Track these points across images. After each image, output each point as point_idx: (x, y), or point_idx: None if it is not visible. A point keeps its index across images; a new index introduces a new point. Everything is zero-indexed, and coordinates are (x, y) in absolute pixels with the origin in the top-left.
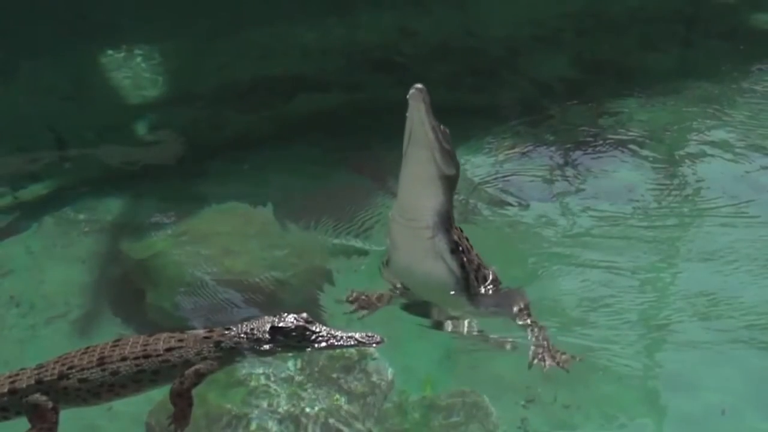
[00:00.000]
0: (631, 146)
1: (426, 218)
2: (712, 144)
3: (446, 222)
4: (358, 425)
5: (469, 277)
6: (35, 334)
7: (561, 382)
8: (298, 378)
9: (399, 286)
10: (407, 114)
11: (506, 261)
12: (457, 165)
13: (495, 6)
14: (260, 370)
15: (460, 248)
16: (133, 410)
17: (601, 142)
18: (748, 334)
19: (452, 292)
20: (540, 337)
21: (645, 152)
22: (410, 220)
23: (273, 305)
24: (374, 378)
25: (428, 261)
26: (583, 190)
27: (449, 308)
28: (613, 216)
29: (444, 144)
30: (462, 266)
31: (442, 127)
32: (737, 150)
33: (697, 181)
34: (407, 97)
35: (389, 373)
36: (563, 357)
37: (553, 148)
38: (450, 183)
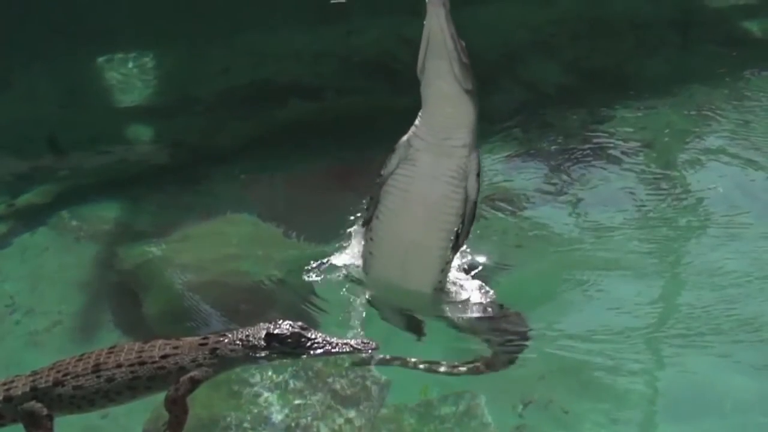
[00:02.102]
0: (626, 152)
1: (462, 135)
2: (707, 150)
3: (476, 139)
4: None
5: (475, 209)
6: (30, 341)
7: (557, 387)
8: (293, 384)
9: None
10: (425, 22)
11: (499, 266)
12: (474, 82)
13: (490, 12)
14: (255, 377)
15: (480, 173)
16: (130, 417)
17: (595, 148)
18: (747, 338)
19: (452, 230)
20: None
21: (640, 158)
22: (445, 139)
23: (269, 311)
24: (369, 384)
25: (452, 185)
26: (578, 196)
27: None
28: (607, 222)
29: (463, 57)
30: (478, 191)
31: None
32: (732, 156)
33: (692, 187)
34: (426, 0)
35: (384, 378)
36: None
37: (547, 154)
38: (475, 97)
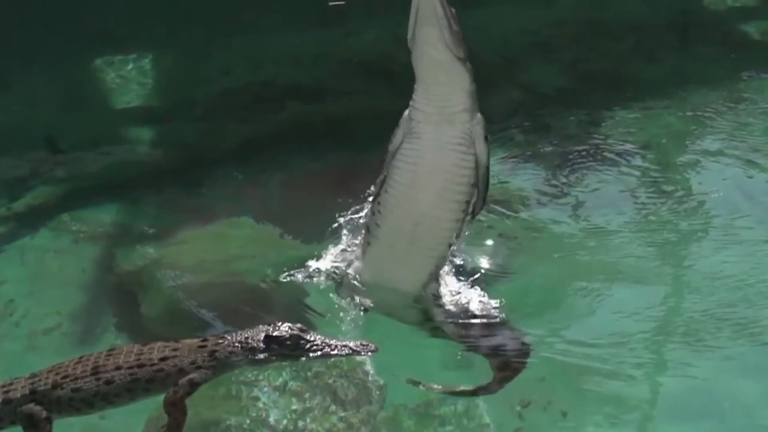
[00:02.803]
0: (625, 154)
1: (461, 100)
2: (706, 152)
3: (477, 103)
4: None
5: (489, 174)
6: (29, 343)
7: (557, 389)
8: (292, 387)
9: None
10: None
11: (498, 268)
12: (466, 49)
13: (490, 14)
14: (255, 379)
15: (488, 137)
16: (129, 419)
17: (594, 150)
18: (748, 342)
19: (464, 202)
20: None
21: (638, 160)
22: (444, 107)
23: (268, 314)
24: (369, 385)
25: (459, 152)
26: (576, 198)
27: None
28: (607, 225)
29: (453, 24)
30: (488, 154)
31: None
32: (731, 158)
33: (691, 190)
34: None
35: (383, 383)
36: None
37: (546, 156)
38: (467, 63)
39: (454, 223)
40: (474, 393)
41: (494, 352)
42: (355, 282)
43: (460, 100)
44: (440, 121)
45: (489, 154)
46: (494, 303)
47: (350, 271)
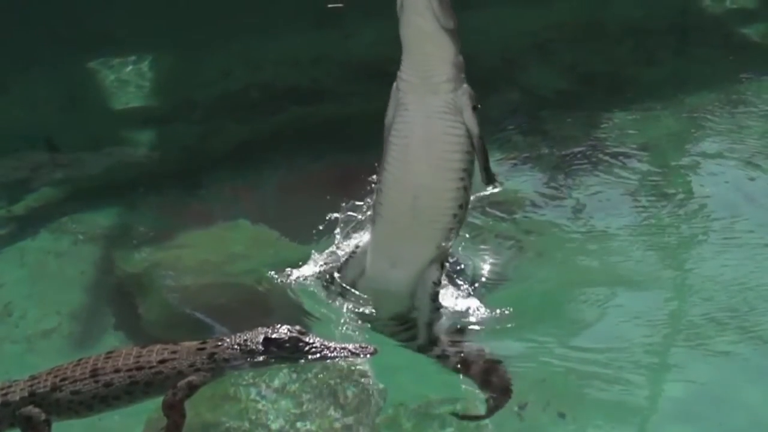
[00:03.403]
0: (624, 157)
1: (444, 70)
2: (705, 155)
3: (463, 74)
4: None
5: (483, 142)
6: (28, 346)
7: (555, 390)
8: (291, 390)
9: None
10: None
11: (497, 271)
12: (455, 20)
13: (490, 17)
14: (253, 382)
15: (479, 106)
16: (127, 421)
17: (594, 153)
18: (749, 345)
19: (461, 170)
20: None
21: (638, 163)
22: (427, 77)
23: (267, 316)
24: (369, 387)
25: (447, 121)
26: (576, 201)
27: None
28: (606, 228)
29: None
30: (479, 125)
31: None
32: (730, 161)
33: (691, 192)
34: None
35: (383, 383)
36: None
37: (545, 159)
38: (455, 34)
39: (454, 192)
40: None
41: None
42: (355, 279)
43: (444, 70)
44: (425, 91)
45: (479, 124)
46: (492, 311)
47: (349, 269)
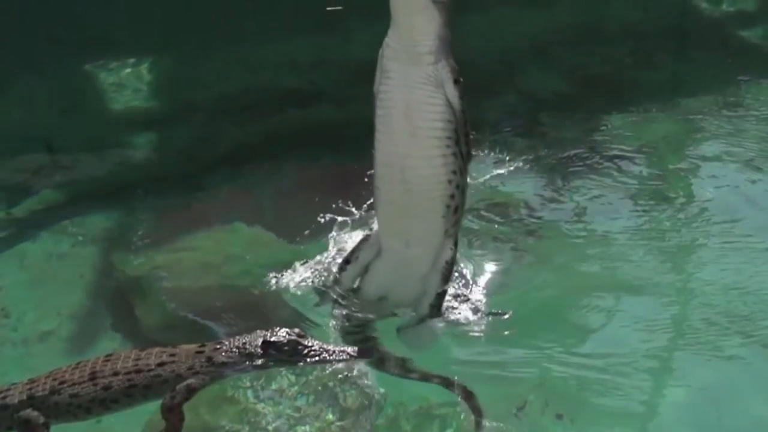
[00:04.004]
0: (623, 160)
1: (427, 42)
2: (704, 158)
3: (447, 48)
4: None
5: (465, 116)
6: (27, 349)
7: (553, 393)
8: (290, 392)
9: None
10: None
11: (495, 275)
12: None
13: (488, 20)
14: (253, 385)
15: (461, 80)
16: (126, 424)
17: (593, 156)
18: (744, 351)
19: (444, 138)
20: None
21: (637, 166)
22: (410, 47)
23: (266, 319)
24: (368, 390)
25: (427, 91)
26: (575, 204)
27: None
28: (606, 231)
29: None
30: (461, 98)
31: None
32: (728, 164)
33: (690, 196)
34: None
35: (382, 389)
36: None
37: (545, 162)
38: (444, 7)
39: (442, 159)
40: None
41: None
42: (369, 262)
43: (427, 41)
44: (407, 60)
45: (464, 98)
46: (491, 315)
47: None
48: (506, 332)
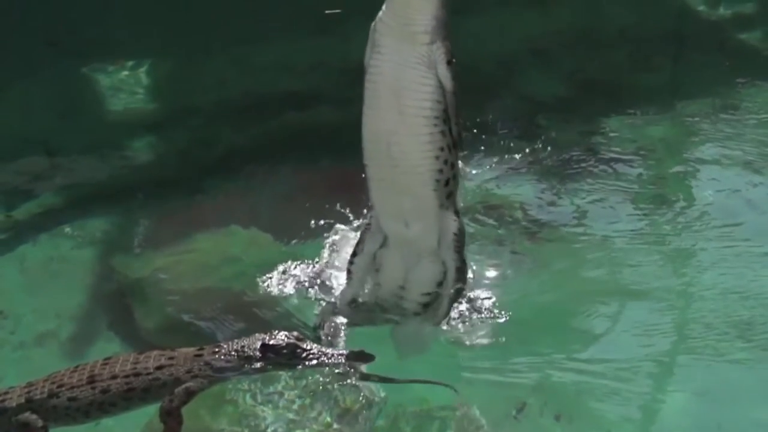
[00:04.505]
0: (622, 163)
1: (424, 21)
2: (702, 161)
3: (444, 29)
4: None
5: (456, 98)
6: (25, 352)
7: (552, 396)
8: (290, 395)
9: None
10: None
11: (494, 278)
12: None
13: (488, 23)
14: (251, 388)
15: (455, 61)
16: (124, 428)
17: (591, 159)
18: (744, 356)
19: (432, 117)
20: None
21: (635, 169)
22: (406, 25)
23: (265, 322)
24: (368, 393)
25: (419, 71)
26: (573, 207)
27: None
28: (604, 234)
29: None
30: (454, 79)
31: None
32: (726, 167)
33: (688, 199)
34: None
35: (382, 391)
36: None
37: (544, 165)
38: None
39: (429, 137)
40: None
41: None
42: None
43: (423, 21)
44: (401, 37)
45: (457, 78)
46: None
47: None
48: (505, 336)
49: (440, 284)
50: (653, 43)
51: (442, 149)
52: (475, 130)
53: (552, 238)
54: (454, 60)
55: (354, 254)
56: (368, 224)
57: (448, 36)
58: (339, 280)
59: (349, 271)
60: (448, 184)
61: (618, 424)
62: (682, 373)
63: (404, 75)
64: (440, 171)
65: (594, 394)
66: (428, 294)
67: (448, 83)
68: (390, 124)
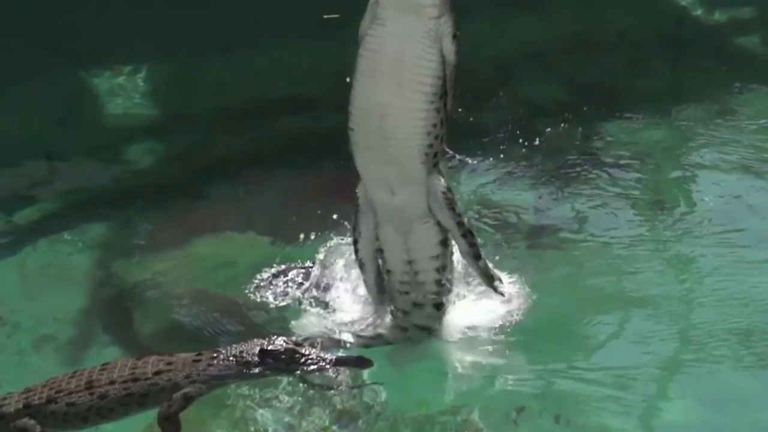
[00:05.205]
0: (620, 168)
1: None
2: (700, 166)
3: (451, 2)
4: None
5: (457, 70)
6: (23, 358)
7: (551, 400)
8: (288, 398)
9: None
10: None
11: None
12: None
13: (486, 28)
14: (250, 392)
15: (459, 34)
16: None
17: (589, 164)
18: (744, 363)
19: (431, 93)
20: None
21: (633, 174)
22: None
23: (263, 327)
24: (367, 398)
25: (424, 45)
26: (571, 211)
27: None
28: (603, 241)
29: None
30: (457, 53)
31: None
32: (724, 172)
33: (686, 205)
34: None
35: (383, 393)
36: None
37: (542, 170)
38: None
39: (424, 113)
40: None
41: None
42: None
43: None
44: (406, 9)
45: (459, 53)
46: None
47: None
48: (504, 342)
49: (444, 243)
50: (651, 48)
51: (435, 125)
52: (472, 134)
53: (551, 243)
54: (458, 33)
55: (355, 242)
56: (356, 208)
57: (454, 8)
58: (336, 284)
59: (359, 261)
60: (436, 156)
61: (617, 428)
62: (682, 380)
63: (408, 48)
64: (430, 146)
65: (594, 401)
66: (437, 257)
67: (451, 56)
68: (386, 97)
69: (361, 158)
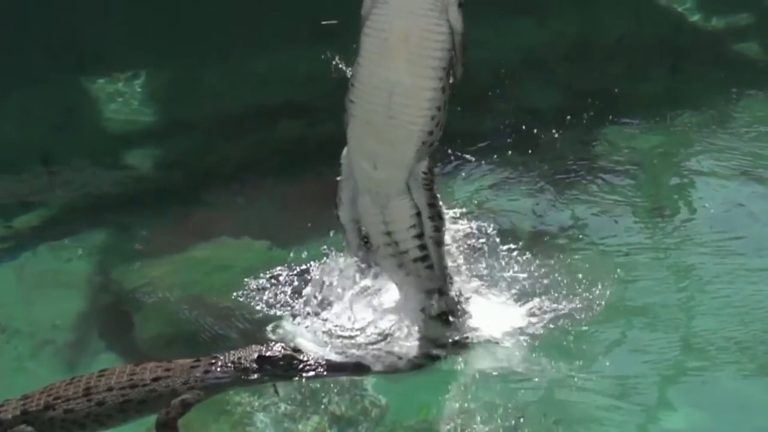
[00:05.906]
0: (618, 174)
1: None
2: (698, 171)
3: None
4: None
5: (464, 38)
6: (21, 364)
7: (551, 407)
8: (287, 405)
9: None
10: None
11: (490, 286)
12: None
13: (484, 33)
14: (248, 398)
15: (464, 2)
16: None
17: (587, 169)
18: (744, 371)
19: (440, 68)
20: None
21: (632, 180)
22: None
23: (262, 334)
24: (367, 404)
25: (432, 18)
26: (570, 217)
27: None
28: (602, 249)
29: None
30: (462, 21)
31: None
32: (723, 177)
33: (683, 210)
34: None
35: (383, 400)
36: None
37: (540, 175)
38: None
39: (433, 92)
40: None
41: None
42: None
43: None
44: None
45: (463, 22)
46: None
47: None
48: (503, 349)
49: (420, 215)
50: (649, 54)
51: (438, 108)
52: (471, 139)
53: (549, 249)
54: (463, 1)
55: (336, 206)
56: (339, 179)
57: None
58: (332, 291)
59: (343, 225)
60: (431, 146)
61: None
62: (681, 388)
63: (416, 23)
64: (430, 133)
65: (593, 408)
66: (414, 227)
67: (458, 25)
68: (396, 74)
69: (355, 129)
